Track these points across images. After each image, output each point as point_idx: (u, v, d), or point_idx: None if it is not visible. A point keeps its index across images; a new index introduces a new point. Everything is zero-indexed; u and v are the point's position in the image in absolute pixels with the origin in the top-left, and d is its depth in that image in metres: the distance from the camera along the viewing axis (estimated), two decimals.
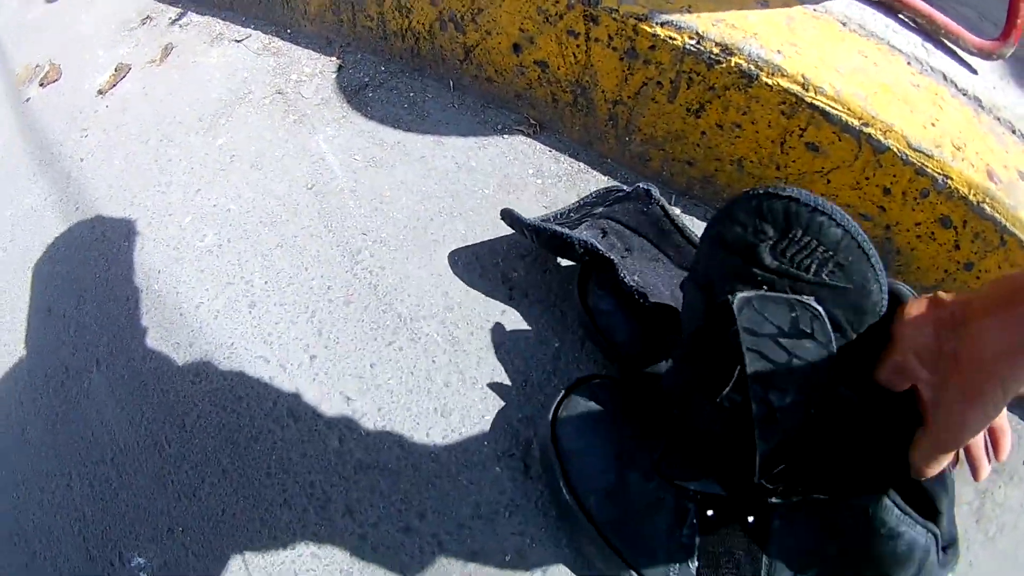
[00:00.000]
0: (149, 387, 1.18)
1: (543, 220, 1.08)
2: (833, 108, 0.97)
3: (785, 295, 0.63)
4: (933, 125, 0.97)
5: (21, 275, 1.54)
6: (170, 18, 2.04)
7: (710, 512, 0.72)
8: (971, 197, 0.93)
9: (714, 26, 1.06)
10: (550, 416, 0.84)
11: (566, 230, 0.98)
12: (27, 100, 2.10)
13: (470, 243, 1.19)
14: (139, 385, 1.20)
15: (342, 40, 1.64)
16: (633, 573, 0.72)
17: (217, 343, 1.17)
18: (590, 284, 1.01)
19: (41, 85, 2.11)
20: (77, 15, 2.34)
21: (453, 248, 1.19)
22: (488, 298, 1.12)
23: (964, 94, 1.07)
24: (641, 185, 1.08)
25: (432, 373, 1.05)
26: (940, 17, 1.12)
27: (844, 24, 1.11)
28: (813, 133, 1.01)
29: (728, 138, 1.11)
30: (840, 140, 0.99)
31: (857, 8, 1.15)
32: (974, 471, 0.63)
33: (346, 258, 1.21)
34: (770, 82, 1.00)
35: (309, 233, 1.27)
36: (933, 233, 1.01)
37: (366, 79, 1.54)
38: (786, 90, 0.99)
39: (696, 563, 0.69)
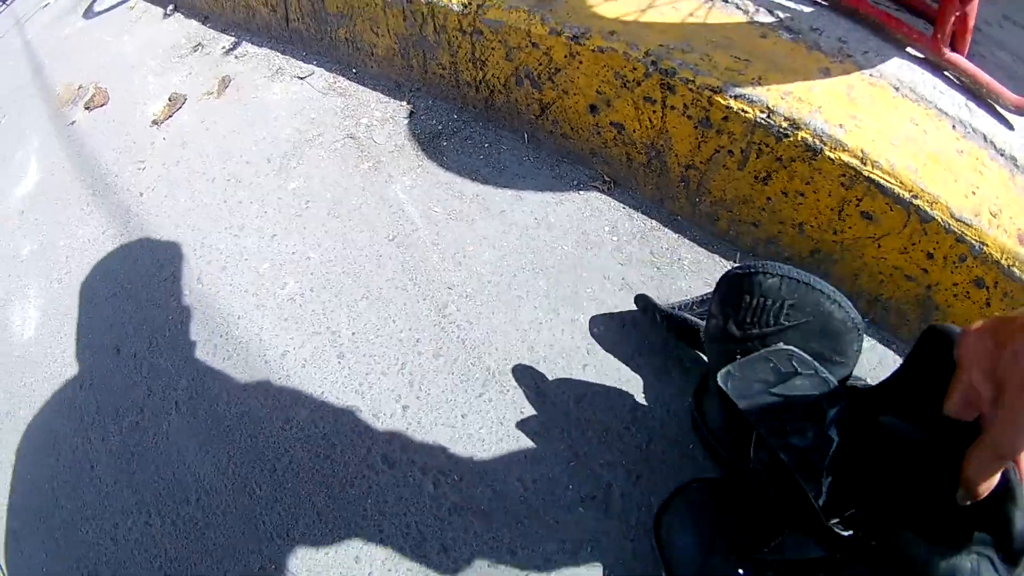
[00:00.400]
0: (235, 432, 1.43)
1: (674, 308, 1.31)
2: (887, 182, 1.21)
3: (756, 352, 0.82)
4: (974, 194, 1.21)
5: (80, 309, 1.81)
6: (224, 47, 2.34)
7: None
8: (1003, 261, 1.17)
9: (783, 99, 1.32)
10: (654, 519, 1.11)
11: (694, 318, 1.23)
12: (72, 123, 2.38)
13: (553, 297, 1.45)
14: (223, 430, 1.44)
15: (411, 84, 1.92)
16: None
17: (307, 392, 1.42)
18: (704, 393, 1.24)
19: (87, 108, 2.39)
20: (119, 36, 2.63)
21: (535, 304, 1.45)
22: (570, 353, 1.37)
23: (1002, 154, 1.31)
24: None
25: (522, 422, 1.29)
26: (982, 76, 1.37)
27: (897, 89, 1.35)
28: (868, 203, 1.25)
29: (792, 204, 1.36)
30: (892, 210, 1.23)
31: (908, 69, 1.39)
32: None
33: (433, 312, 1.46)
34: (833, 156, 1.25)
35: (394, 286, 1.52)
36: (968, 292, 1.25)
37: (439, 127, 1.82)
38: (847, 164, 1.24)
39: None
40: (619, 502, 1.21)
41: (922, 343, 0.74)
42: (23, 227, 2.16)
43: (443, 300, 1.49)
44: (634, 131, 1.50)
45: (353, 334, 1.48)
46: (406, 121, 1.88)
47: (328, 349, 1.47)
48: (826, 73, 1.36)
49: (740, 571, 0.90)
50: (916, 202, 1.20)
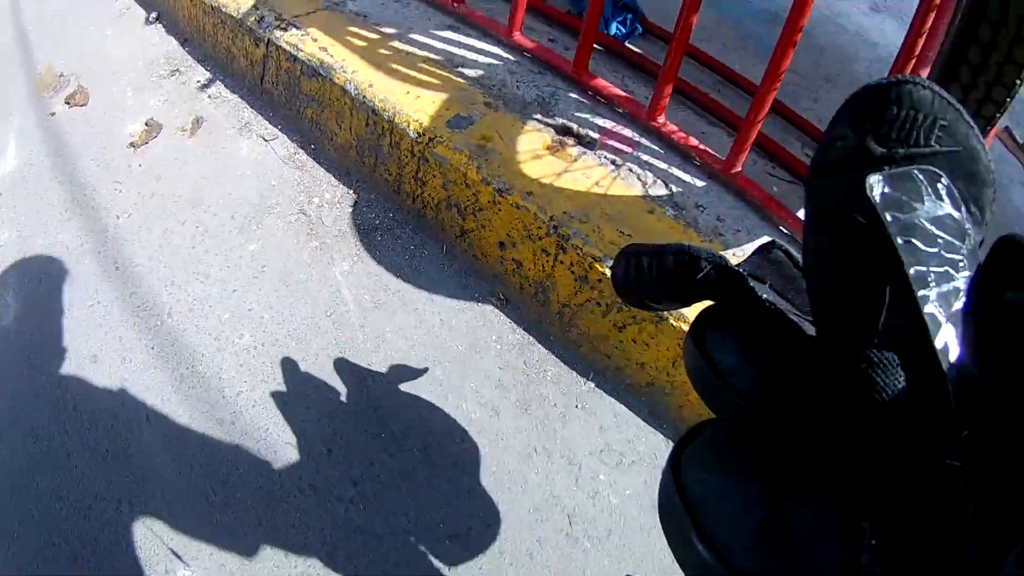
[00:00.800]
0: (195, 447, 2.20)
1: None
2: None
3: (906, 166, 0.69)
4: None
5: (60, 312, 2.53)
6: (199, 82, 3.09)
7: (889, 524, 0.66)
8: None
9: None
10: (670, 467, 0.79)
11: (691, 244, 1.00)
12: (52, 114, 3.13)
13: (445, 386, 2.30)
14: (186, 444, 2.21)
15: (360, 176, 2.73)
16: None
17: (255, 426, 2.20)
18: (707, 329, 0.93)
19: (67, 103, 3.13)
20: (102, 28, 3.42)
21: (431, 389, 2.29)
22: (453, 430, 2.21)
23: None
24: (765, 240, 1.09)
25: (413, 473, 2.11)
26: None
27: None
28: None
29: (638, 349, 2.21)
30: None
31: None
32: None
33: (355, 381, 2.27)
34: (675, 324, 2.08)
35: (327, 355, 2.33)
36: None
37: (376, 221, 2.63)
38: (682, 331, 2.08)
39: None
40: (475, 542, 2.03)
41: (995, 259, 0.56)
42: (1, 211, 2.89)
43: (363, 374, 2.31)
44: (529, 270, 2.35)
45: (294, 387, 2.28)
46: (350, 209, 2.70)
47: (275, 397, 2.29)
48: None
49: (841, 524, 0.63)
50: None
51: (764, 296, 0.77)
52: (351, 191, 2.83)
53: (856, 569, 0.57)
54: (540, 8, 3.36)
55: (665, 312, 2.13)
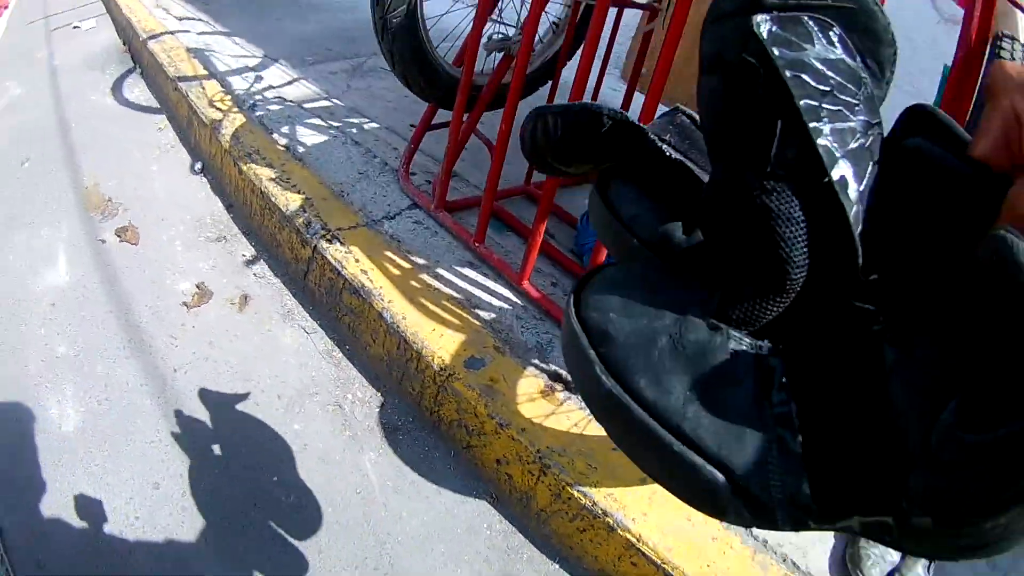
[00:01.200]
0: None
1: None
2: (650, 552, 3.11)
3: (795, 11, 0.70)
4: (708, 567, 3.05)
5: (121, 440, 3.36)
6: (244, 257, 4.06)
7: (801, 364, 0.69)
8: None
9: (606, 498, 3.14)
10: (570, 305, 0.85)
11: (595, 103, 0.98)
12: (103, 241, 3.96)
13: (446, 556, 3.28)
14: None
15: (388, 383, 3.71)
16: (719, 475, 0.65)
17: (299, 568, 3.15)
18: (612, 182, 1.03)
19: (118, 237, 3.88)
20: (147, 161, 4.52)
21: (436, 560, 3.29)
22: None
23: (755, 538, 3.18)
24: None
25: None
26: None
27: None
28: (636, 558, 3.14)
29: (594, 545, 3.17)
30: (648, 566, 3.20)
31: None
32: None
33: (376, 544, 3.18)
34: (621, 533, 3.08)
35: (356, 523, 3.24)
36: None
37: (399, 423, 3.62)
38: (627, 539, 3.09)
39: (800, 438, 0.64)
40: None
41: (904, 123, 0.73)
42: (55, 321, 3.69)
43: (384, 539, 3.20)
44: (517, 482, 3.35)
45: (328, 544, 3.21)
46: (378, 410, 3.68)
47: (312, 548, 3.24)
48: (644, 481, 3.26)
49: (746, 342, 0.69)
50: (664, 566, 2.74)
51: (664, 148, 0.87)
52: (379, 393, 3.86)
53: (768, 407, 0.64)
54: (546, 249, 4.37)
55: (615, 525, 3.20)
